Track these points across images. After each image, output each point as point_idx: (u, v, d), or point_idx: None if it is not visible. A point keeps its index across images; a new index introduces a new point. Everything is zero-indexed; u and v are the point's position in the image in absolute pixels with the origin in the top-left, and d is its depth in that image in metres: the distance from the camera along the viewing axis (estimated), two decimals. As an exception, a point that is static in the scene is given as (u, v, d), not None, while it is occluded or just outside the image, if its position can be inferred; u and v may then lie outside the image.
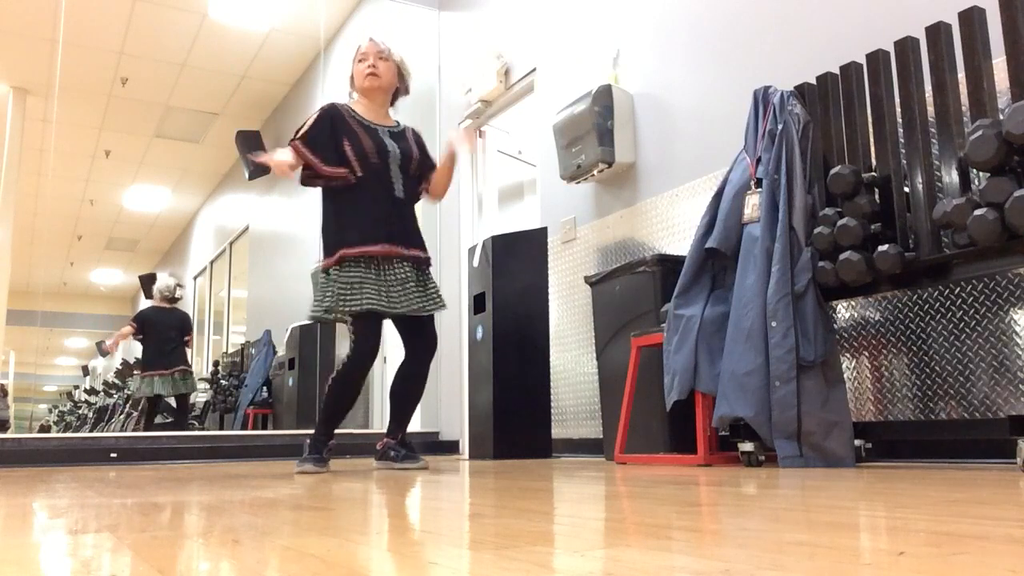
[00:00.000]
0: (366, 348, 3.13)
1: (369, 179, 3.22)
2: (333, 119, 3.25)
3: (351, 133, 3.24)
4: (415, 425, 6.36)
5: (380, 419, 6.51)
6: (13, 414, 7.95)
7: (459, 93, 5.98)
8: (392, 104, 3.49)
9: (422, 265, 3.33)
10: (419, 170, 3.38)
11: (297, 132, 3.24)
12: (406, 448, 3.31)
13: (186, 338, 7.00)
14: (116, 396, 8.39)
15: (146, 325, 6.88)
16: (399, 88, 3.46)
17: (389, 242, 3.19)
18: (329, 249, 3.22)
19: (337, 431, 3.26)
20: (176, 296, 7.05)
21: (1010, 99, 2.23)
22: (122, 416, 7.92)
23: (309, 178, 3.25)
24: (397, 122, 3.45)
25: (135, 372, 6.96)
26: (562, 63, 4.88)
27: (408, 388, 3.35)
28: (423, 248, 3.37)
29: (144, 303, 8.45)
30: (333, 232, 3.21)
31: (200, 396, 7.92)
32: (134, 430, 6.79)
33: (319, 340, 6.76)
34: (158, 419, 7.16)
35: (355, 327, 3.15)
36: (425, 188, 3.47)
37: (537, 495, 1.71)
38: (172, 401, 6.89)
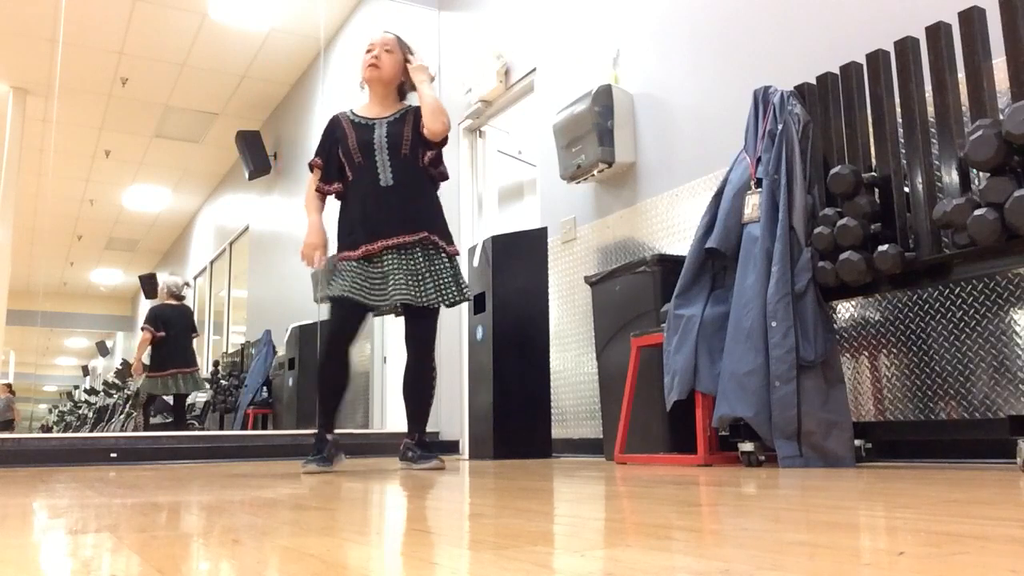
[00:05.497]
0: (328, 332, 3.22)
1: (357, 178, 3.31)
2: (329, 131, 3.41)
3: (342, 137, 3.36)
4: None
5: (379, 419, 6.51)
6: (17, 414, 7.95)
7: (459, 93, 5.98)
8: (402, 99, 3.51)
9: (427, 249, 3.27)
10: (415, 147, 3.33)
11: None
12: (422, 448, 3.34)
13: (194, 335, 7.02)
14: (116, 396, 8.39)
15: (167, 324, 6.86)
16: (404, 82, 3.47)
17: (370, 241, 3.22)
18: (336, 248, 3.38)
19: (338, 431, 3.27)
20: (183, 294, 7.06)
21: (1010, 99, 2.23)
22: (122, 416, 7.92)
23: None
24: (401, 109, 3.42)
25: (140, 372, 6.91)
26: (562, 63, 4.88)
27: (409, 385, 3.40)
28: (427, 230, 3.26)
29: (144, 304, 8.45)
30: (337, 234, 3.36)
31: (200, 396, 7.91)
32: (134, 430, 6.77)
33: (319, 340, 6.76)
34: (158, 419, 7.16)
35: (329, 312, 3.27)
36: (425, 147, 3.35)
37: (537, 495, 1.71)
38: (170, 400, 6.86)
